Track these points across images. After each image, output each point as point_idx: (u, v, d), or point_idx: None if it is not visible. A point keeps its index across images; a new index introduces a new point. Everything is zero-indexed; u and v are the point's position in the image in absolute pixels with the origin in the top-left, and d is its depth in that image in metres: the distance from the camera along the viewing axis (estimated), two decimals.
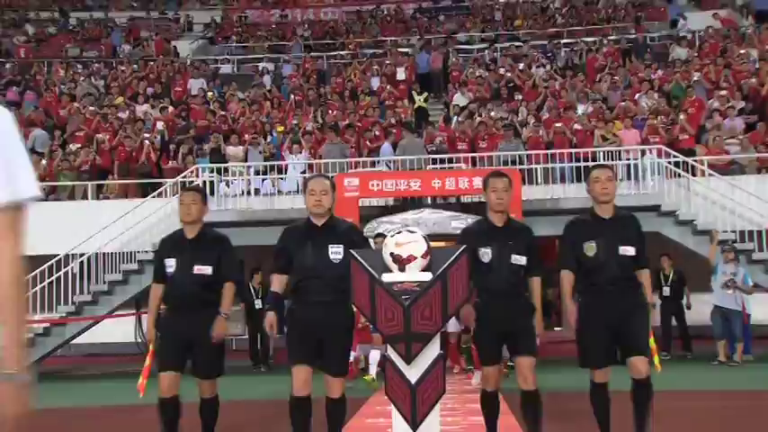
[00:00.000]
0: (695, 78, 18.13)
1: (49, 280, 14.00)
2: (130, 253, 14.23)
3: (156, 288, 5.78)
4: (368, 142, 16.50)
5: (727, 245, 12.50)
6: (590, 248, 5.22)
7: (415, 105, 19.03)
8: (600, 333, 5.16)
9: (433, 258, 3.93)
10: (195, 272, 5.49)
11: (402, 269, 3.96)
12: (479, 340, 5.41)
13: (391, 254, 4.05)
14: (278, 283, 5.18)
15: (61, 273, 14.03)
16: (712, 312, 11.95)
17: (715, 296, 11.95)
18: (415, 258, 4.02)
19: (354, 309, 5.11)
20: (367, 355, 10.76)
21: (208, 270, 5.50)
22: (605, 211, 5.34)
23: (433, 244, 4.04)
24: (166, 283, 5.66)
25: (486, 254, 5.21)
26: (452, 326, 10.98)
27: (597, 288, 5.23)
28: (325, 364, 4.95)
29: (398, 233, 4.20)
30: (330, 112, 18.36)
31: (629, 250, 5.20)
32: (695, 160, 14.28)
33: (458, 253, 3.85)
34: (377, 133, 16.82)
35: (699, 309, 13.00)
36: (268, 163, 15.71)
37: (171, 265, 5.57)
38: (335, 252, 4.90)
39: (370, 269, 3.79)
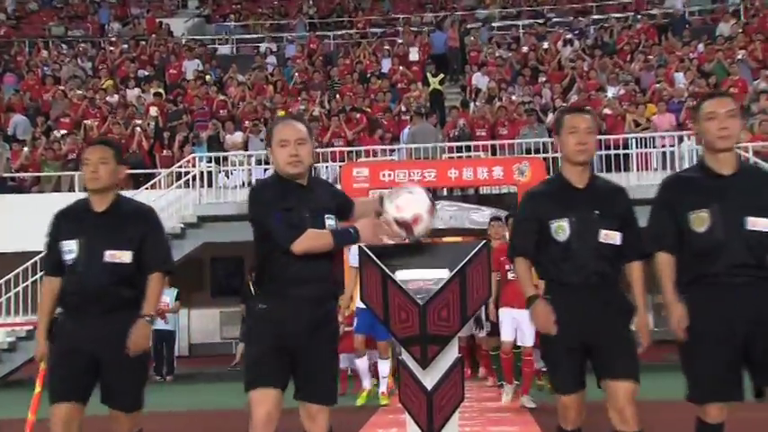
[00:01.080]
0: (739, 57, 18.00)
1: (34, 278, 14.04)
2: None
3: (50, 283, 4.43)
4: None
5: None
6: (700, 220, 3.81)
7: (430, 88, 19.02)
8: (721, 349, 3.77)
9: (451, 252, 3.90)
10: (107, 259, 4.26)
11: (411, 233, 3.83)
12: (550, 355, 4.09)
13: (395, 220, 3.85)
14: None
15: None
16: None
17: None
18: (422, 217, 3.83)
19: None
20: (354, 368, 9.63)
21: (125, 257, 4.29)
22: (724, 163, 3.86)
23: (449, 239, 4.00)
24: (63, 275, 4.37)
25: (561, 229, 3.97)
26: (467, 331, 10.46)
27: (713, 281, 3.80)
28: (308, 390, 3.87)
29: (397, 197, 3.95)
30: (337, 96, 18.35)
31: (762, 223, 3.78)
32: (738, 147, 14.16)
33: (478, 247, 3.83)
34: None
35: None
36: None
37: (71, 249, 4.27)
38: (331, 225, 3.99)
39: (381, 264, 3.76)
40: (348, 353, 8.99)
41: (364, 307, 7.72)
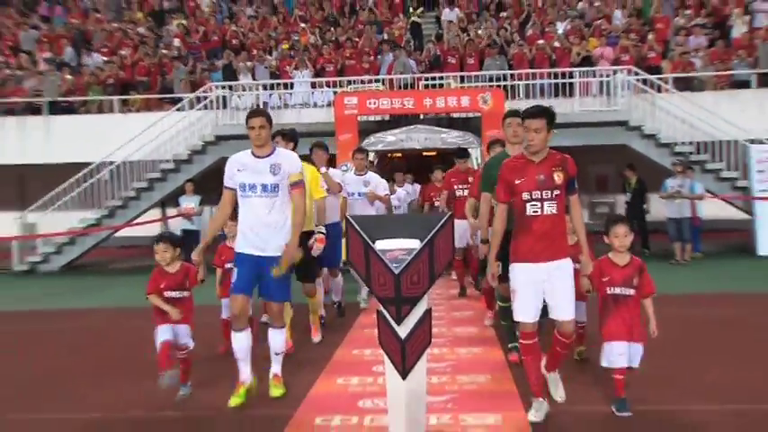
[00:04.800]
0: None
1: (85, 185, 14.08)
2: (153, 162, 14.28)
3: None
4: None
5: (676, 159, 12.67)
6: None
7: (410, 20, 18.56)
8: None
9: (421, 224, 3.93)
10: None
11: None
12: None
13: None
14: None
15: (95, 179, 14.10)
16: (667, 220, 12.16)
17: (666, 208, 12.14)
18: None
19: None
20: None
21: None
22: None
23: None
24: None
25: None
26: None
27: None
28: None
29: None
30: (332, 29, 17.90)
31: None
32: (660, 78, 14.10)
33: (444, 219, 3.88)
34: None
35: (659, 208, 13.03)
36: (275, 81, 15.48)
37: None
38: None
39: (364, 235, 3.81)
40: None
41: (245, 253, 4.74)
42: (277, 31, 18.10)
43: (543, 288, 4.14)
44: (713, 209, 13.38)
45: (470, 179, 8.02)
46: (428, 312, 3.84)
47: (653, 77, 13.89)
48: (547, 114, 4.18)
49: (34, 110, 15.62)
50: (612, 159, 15.46)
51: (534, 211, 4.13)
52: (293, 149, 5.81)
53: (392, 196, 9.49)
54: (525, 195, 4.14)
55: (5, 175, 16.52)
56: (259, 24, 18.49)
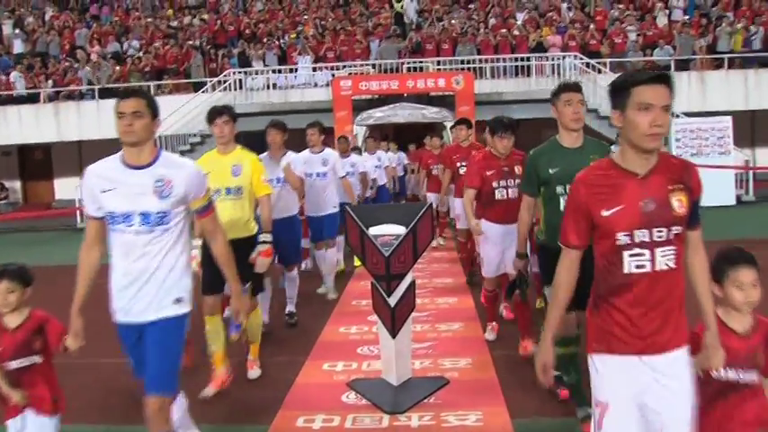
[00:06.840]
0: None
1: None
2: (183, 136, 14.07)
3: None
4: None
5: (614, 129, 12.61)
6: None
7: (395, 11, 18.06)
8: None
9: (406, 212, 3.88)
10: None
11: None
12: None
13: None
14: None
15: None
16: None
17: None
18: None
19: None
20: None
21: None
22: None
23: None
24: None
25: None
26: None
27: None
28: None
29: None
30: (326, 19, 17.40)
31: None
32: (599, 62, 13.93)
33: (424, 209, 3.84)
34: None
35: None
36: (284, 66, 15.16)
37: None
38: None
39: (360, 223, 3.79)
40: None
41: (124, 323, 2.60)
42: (283, 23, 17.60)
43: (646, 395, 1.90)
44: None
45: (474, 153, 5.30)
46: (412, 284, 3.84)
47: (593, 61, 13.72)
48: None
49: (88, 95, 15.31)
50: None
51: (639, 266, 1.87)
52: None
53: (369, 162, 8.13)
54: (622, 237, 1.88)
55: (68, 149, 16.33)
56: (268, 16, 17.96)
